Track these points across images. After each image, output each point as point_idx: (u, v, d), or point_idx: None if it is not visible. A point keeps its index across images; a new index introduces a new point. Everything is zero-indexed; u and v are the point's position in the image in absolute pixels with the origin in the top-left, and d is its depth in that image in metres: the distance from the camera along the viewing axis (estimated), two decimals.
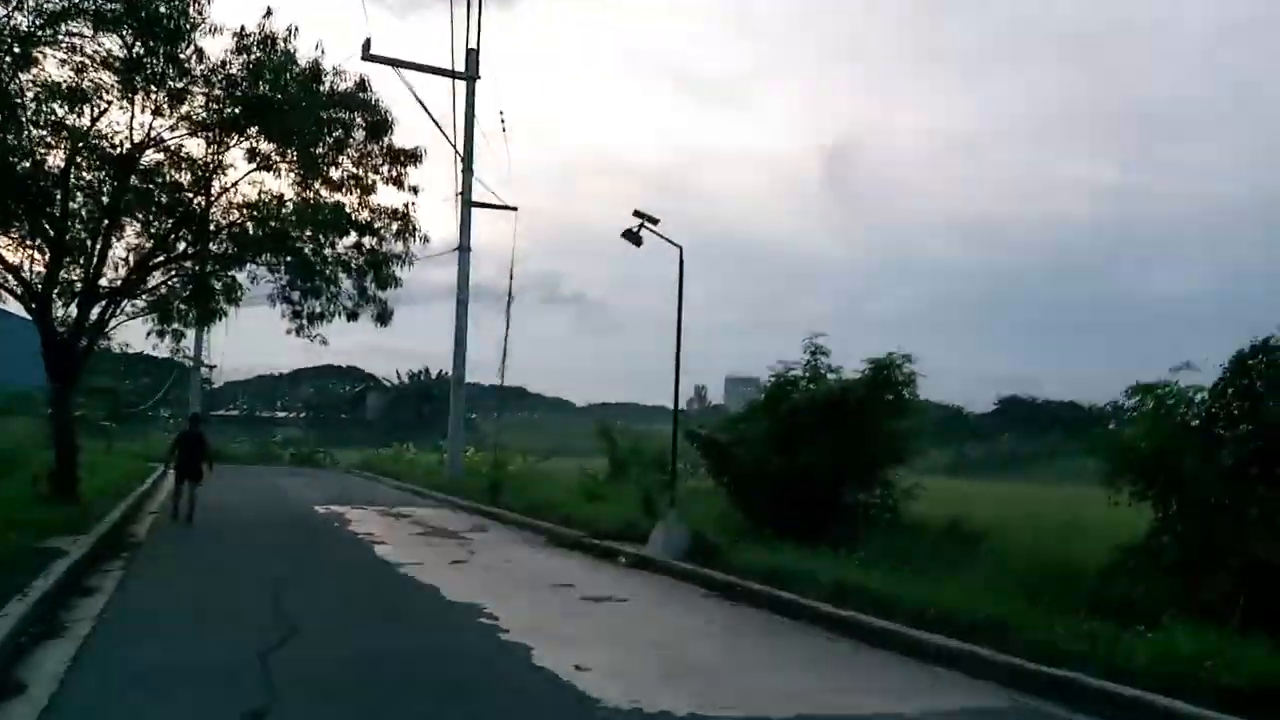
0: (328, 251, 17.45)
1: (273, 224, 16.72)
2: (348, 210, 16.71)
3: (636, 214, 13.74)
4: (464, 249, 27.00)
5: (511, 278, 27.93)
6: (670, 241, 13.71)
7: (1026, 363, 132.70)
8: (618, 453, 23.64)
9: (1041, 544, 9.84)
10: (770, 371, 13.93)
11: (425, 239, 17.89)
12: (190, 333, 19.25)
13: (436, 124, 27.17)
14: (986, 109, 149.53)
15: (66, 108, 13.95)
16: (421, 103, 23.89)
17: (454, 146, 26.16)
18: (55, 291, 15.24)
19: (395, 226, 17.26)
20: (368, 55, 24.00)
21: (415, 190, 17.61)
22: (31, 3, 13.28)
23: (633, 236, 13.78)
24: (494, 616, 8.55)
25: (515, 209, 27.77)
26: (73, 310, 15.53)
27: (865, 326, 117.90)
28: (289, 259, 17.27)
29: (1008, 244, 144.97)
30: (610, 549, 13.62)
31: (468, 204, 27.10)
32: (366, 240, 17.36)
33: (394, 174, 17.22)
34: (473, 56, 28.10)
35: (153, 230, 16.07)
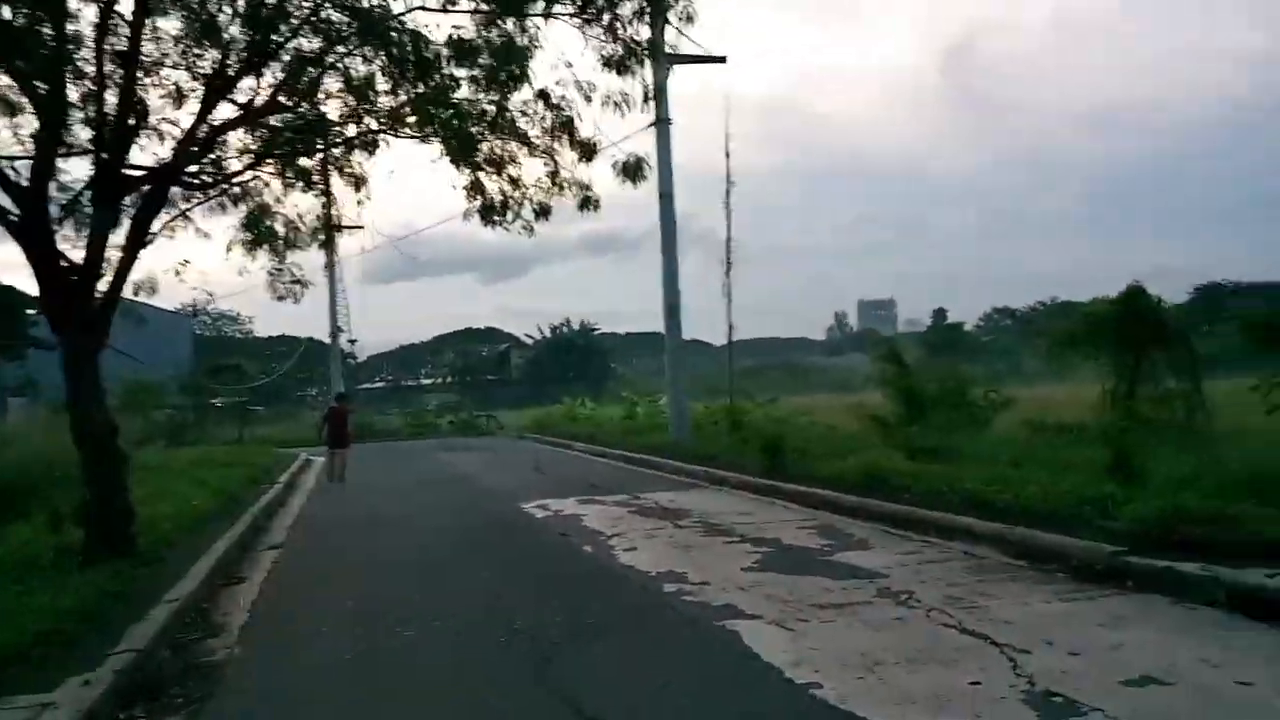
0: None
1: None
2: None
3: None
4: (662, 119, 19.21)
5: (728, 155, 19.90)
6: None
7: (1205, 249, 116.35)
8: (913, 385, 16.01)
9: None
10: None
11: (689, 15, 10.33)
12: (304, 253, 12.21)
13: None
14: None
15: None
16: None
17: None
18: (51, 184, 8.44)
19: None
20: None
21: None
22: None
23: None
24: None
25: (723, 59, 19.74)
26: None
27: (1015, 234, 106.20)
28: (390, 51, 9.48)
29: (1155, 128, 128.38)
30: (1220, 579, 5.90)
31: (660, 57, 19.20)
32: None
33: None
34: None
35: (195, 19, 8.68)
